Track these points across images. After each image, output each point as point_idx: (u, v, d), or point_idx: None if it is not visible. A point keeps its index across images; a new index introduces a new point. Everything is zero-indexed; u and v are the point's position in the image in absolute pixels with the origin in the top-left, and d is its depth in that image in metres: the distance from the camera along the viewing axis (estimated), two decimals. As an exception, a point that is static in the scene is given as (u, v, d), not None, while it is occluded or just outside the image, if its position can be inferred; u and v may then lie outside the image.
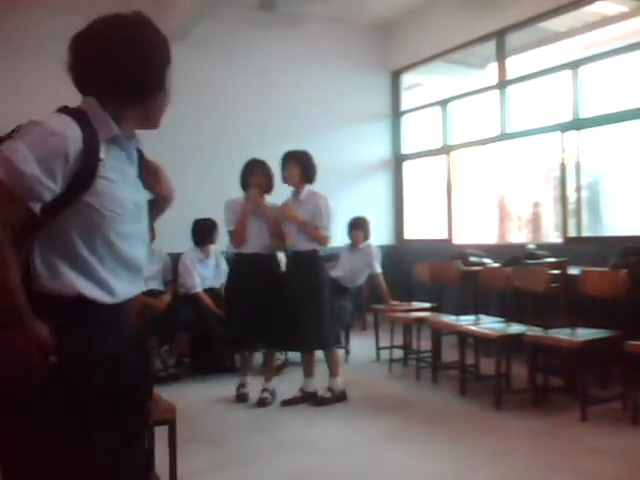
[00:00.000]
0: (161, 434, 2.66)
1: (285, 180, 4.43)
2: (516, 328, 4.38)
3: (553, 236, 6.50)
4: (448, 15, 7.19)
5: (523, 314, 4.63)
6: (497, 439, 3.57)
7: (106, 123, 1.52)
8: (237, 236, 4.38)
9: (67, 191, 1.42)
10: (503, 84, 6.77)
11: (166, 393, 2.88)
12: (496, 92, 6.83)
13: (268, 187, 4.48)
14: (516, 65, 6.78)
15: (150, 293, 5.30)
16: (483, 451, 3.38)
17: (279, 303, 4.30)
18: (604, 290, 4.11)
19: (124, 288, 1.55)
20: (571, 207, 6.01)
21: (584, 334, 4.00)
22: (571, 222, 5.99)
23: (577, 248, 5.60)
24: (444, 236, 7.47)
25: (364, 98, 8.08)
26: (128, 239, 1.55)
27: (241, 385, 4.50)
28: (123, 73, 1.52)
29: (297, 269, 4.40)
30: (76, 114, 1.49)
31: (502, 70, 6.79)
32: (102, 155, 1.48)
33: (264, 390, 4.38)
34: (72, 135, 1.43)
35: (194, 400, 4.39)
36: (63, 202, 1.42)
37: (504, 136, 6.74)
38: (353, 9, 7.44)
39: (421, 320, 5.12)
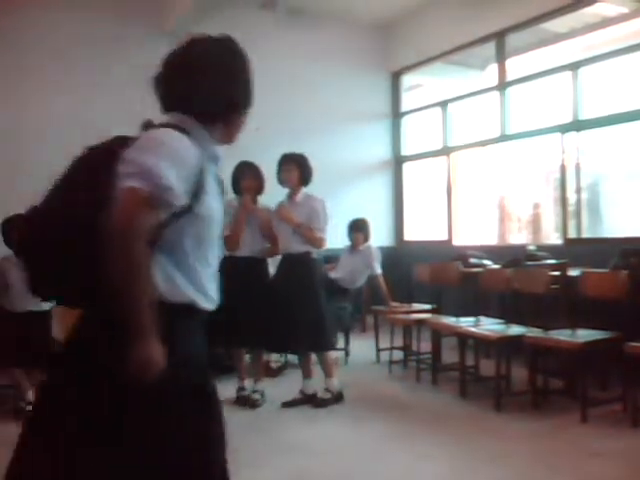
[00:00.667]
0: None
1: (282, 182, 4.41)
2: (516, 329, 4.38)
3: (553, 237, 6.50)
4: (448, 16, 7.19)
5: (523, 315, 4.62)
6: (497, 441, 3.57)
7: (206, 140, 1.63)
8: (230, 242, 4.32)
9: (185, 200, 1.51)
10: (503, 85, 6.77)
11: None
12: (496, 93, 6.83)
13: (259, 189, 4.48)
14: (516, 66, 6.77)
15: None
16: (483, 453, 3.38)
17: (271, 305, 4.29)
18: (604, 291, 4.11)
19: (215, 294, 1.65)
20: (571, 208, 6.00)
21: (584, 335, 3.99)
22: (571, 223, 5.99)
23: (577, 249, 5.60)
24: (444, 237, 7.46)
25: (364, 99, 8.08)
26: (213, 247, 1.65)
27: (241, 388, 4.49)
28: (219, 90, 1.63)
29: (291, 271, 4.38)
30: (182, 131, 1.57)
31: (502, 71, 6.79)
32: (207, 172, 1.59)
33: (254, 392, 4.39)
34: (194, 151, 1.54)
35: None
36: (180, 214, 1.51)
37: (504, 137, 6.74)
38: (354, 10, 7.44)
39: (421, 321, 5.12)
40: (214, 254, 1.65)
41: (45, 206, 1.51)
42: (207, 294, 1.61)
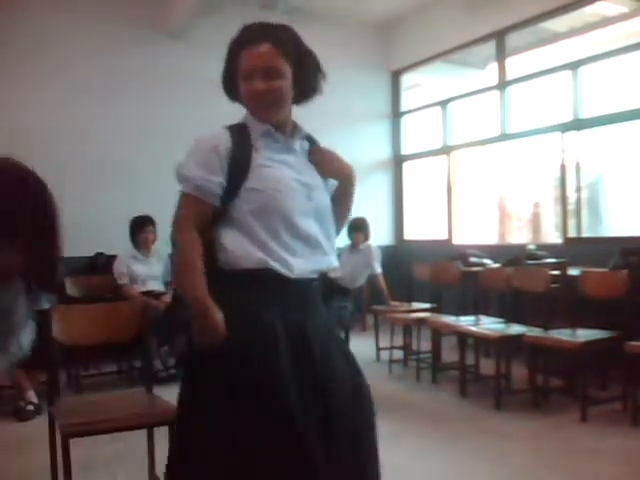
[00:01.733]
0: (161, 434, 2.66)
1: None
2: (516, 329, 4.38)
3: (553, 237, 6.50)
4: (448, 15, 7.19)
5: (523, 315, 4.63)
6: (497, 440, 3.57)
7: (252, 121, 1.79)
8: None
9: (230, 181, 1.70)
10: (503, 84, 6.77)
11: (166, 393, 2.88)
12: (496, 92, 6.83)
13: None
14: (516, 65, 6.77)
15: (151, 294, 5.30)
16: (483, 452, 3.38)
17: None
18: (604, 291, 4.11)
19: (300, 264, 1.72)
20: (571, 207, 6.01)
21: (584, 335, 4.00)
22: (571, 222, 5.99)
23: (577, 249, 5.60)
24: (444, 236, 7.47)
25: (364, 98, 8.08)
26: (299, 216, 1.73)
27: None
28: (223, 73, 1.87)
29: None
30: (231, 125, 1.81)
31: (502, 70, 6.79)
32: (255, 146, 1.75)
33: None
34: (218, 135, 1.75)
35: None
36: (229, 191, 1.70)
37: (504, 136, 6.74)
38: (354, 9, 7.44)
39: (421, 321, 5.12)
40: (302, 221, 1.74)
41: None
42: (283, 262, 1.69)
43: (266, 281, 1.68)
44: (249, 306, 1.67)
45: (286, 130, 1.82)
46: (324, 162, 1.88)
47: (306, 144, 1.88)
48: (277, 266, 1.68)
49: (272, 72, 1.74)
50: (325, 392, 1.71)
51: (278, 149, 1.78)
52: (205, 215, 1.70)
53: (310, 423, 1.63)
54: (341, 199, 1.94)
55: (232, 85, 1.83)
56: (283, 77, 1.76)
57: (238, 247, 1.68)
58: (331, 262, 1.82)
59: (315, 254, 1.76)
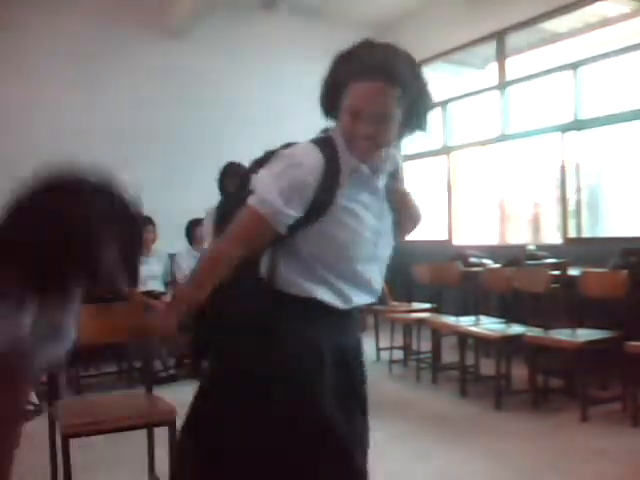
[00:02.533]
0: (161, 435, 2.67)
1: None
2: (516, 329, 4.38)
3: (553, 237, 6.49)
4: (448, 15, 7.19)
5: (523, 315, 4.62)
6: (497, 440, 3.57)
7: (344, 152, 1.63)
8: None
9: (306, 216, 1.60)
10: (503, 85, 6.76)
11: (166, 394, 2.89)
12: (496, 93, 6.83)
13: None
14: (516, 66, 6.77)
15: (150, 294, 5.30)
16: (483, 452, 3.38)
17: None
18: (604, 291, 4.11)
19: (350, 303, 1.71)
20: (571, 208, 6.00)
21: (584, 335, 4.00)
22: (571, 223, 5.98)
23: (577, 249, 5.60)
24: (444, 237, 7.46)
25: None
26: (363, 263, 1.68)
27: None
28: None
29: None
30: (324, 144, 1.64)
31: (502, 71, 6.78)
32: (342, 184, 1.61)
33: None
34: (314, 166, 1.59)
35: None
36: (301, 224, 1.61)
37: (504, 137, 6.74)
38: (354, 9, 7.43)
39: (421, 321, 5.12)
40: (365, 268, 1.69)
41: None
42: (342, 295, 1.67)
43: (315, 310, 1.66)
44: (298, 326, 1.66)
45: (375, 164, 1.68)
46: (401, 206, 1.79)
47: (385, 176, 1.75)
48: (329, 301, 1.66)
49: (381, 117, 1.60)
50: (364, 410, 1.77)
51: (363, 187, 1.66)
52: (266, 237, 1.63)
53: (350, 432, 1.68)
54: (399, 238, 1.89)
55: (331, 102, 1.68)
56: (391, 121, 1.62)
57: (292, 275, 1.65)
58: (376, 297, 1.82)
59: (367, 294, 1.75)
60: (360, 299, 1.74)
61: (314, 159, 1.60)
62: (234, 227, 1.64)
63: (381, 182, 1.70)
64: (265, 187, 1.60)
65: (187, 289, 1.72)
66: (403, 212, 1.81)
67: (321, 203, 1.60)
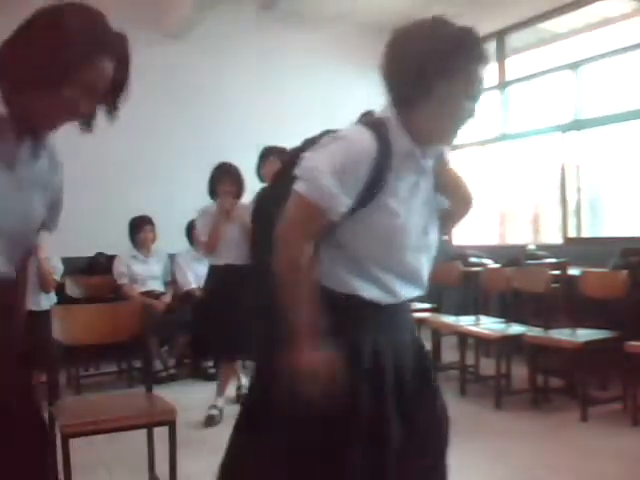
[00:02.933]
0: (161, 435, 2.67)
1: (265, 175, 4.11)
2: (516, 329, 4.38)
3: (553, 237, 6.49)
4: (448, 15, 7.18)
5: (523, 315, 4.63)
6: (497, 439, 3.57)
7: (402, 137, 1.54)
8: (207, 247, 4.20)
9: (356, 201, 1.49)
10: (503, 84, 6.76)
11: (166, 394, 2.89)
12: (496, 92, 6.83)
13: (238, 194, 4.27)
14: (516, 65, 6.77)
15: (150, 293, 5.31)
16: (483, 451, 3.38)
17: (253, 311, 4.17)
18: (604, 291, 4.11)
19: (406, 292, 1.63)
20: (571, 208, 6.00)
21: (584, 335, 4.00)
22: (571, 223, 5.98)
23: (577, 249, 5.60)
24: (444, 237, 7.45)
25: (365, 98, 8.06)
26: (410, 251, 1.59)
27: (239, 388, 4.47)
28: (432, 81, 1.51)
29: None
30: (376, 126, 1.53)
31: (502, 70, 6.78)
32: (393, 169, 1.52)
33: (213, 407, 4.06)
34: (367, 150, 1.48)
35: (194, 401, 4.39)
36: (348, 212, 1.50)
37: (504, 137, 6.74)
38: (354, 9, 7.43)
39: (421, 321, 5.10)
40: (412, 256, 1.60)
41: None
42: (388, 290, 1.58)
43: (360, 307, 1.56)
44: (346, 326, 1.54)
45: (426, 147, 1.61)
46: (454, 189, 1.76)
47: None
48: (373, 297, 1.57)
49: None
50: (410, 419, 1.63)
51: (413, 169, 1.57)
52: (317, 225, 1.50)
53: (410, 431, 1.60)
54: (449, 226, 1.84)
55: (419, 86, 1.51)
56: None
57: (336, 269, 1.55)
58: (424, 290, 1.75)
59: (415, 286, 1.68)
60: (408, 292, 1.65)
61: (369, 144, 1.49)
62: (289, 218, 1.50)
63: (430, 165, 1.64)
64: (316, 170, 1.47)
65: (302, 350, 1.48)
66: (456, 194, 1.76)
67: (372, 188, 1.50)
